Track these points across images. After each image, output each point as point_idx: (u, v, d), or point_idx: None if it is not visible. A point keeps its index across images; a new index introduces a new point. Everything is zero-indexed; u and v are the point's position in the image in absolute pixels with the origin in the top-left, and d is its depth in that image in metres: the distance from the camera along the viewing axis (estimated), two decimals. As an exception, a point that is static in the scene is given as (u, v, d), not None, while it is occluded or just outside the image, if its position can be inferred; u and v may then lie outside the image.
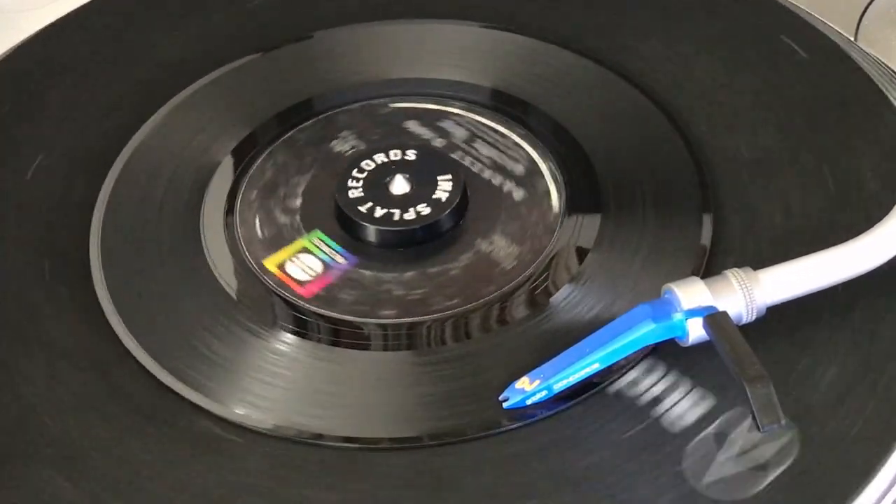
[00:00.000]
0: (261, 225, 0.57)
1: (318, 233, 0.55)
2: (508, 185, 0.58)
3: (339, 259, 0.53)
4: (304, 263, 0.54)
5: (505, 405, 0.48)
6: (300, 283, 0.54)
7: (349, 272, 0.54)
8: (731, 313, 0.48)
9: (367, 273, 0.54)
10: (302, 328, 0.52)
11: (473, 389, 0.50)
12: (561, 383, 0.48)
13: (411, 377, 0.51)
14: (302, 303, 0.53)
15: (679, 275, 0.50)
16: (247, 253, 0.56)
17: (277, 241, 0.56)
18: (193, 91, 0.63)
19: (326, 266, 0.54)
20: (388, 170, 0.57)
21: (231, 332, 0.52)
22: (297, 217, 0.57)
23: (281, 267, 0.54)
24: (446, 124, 0.61)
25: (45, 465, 0.48)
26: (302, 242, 0.55)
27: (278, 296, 0.54)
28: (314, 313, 0.53)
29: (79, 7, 0.69)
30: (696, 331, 0.48)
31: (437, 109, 0.62)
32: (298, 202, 0.58)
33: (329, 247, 0.55)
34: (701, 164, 0.57)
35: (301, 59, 0.65)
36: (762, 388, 0.44)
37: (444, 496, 0.47)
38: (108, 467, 0.48)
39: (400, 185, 0.56)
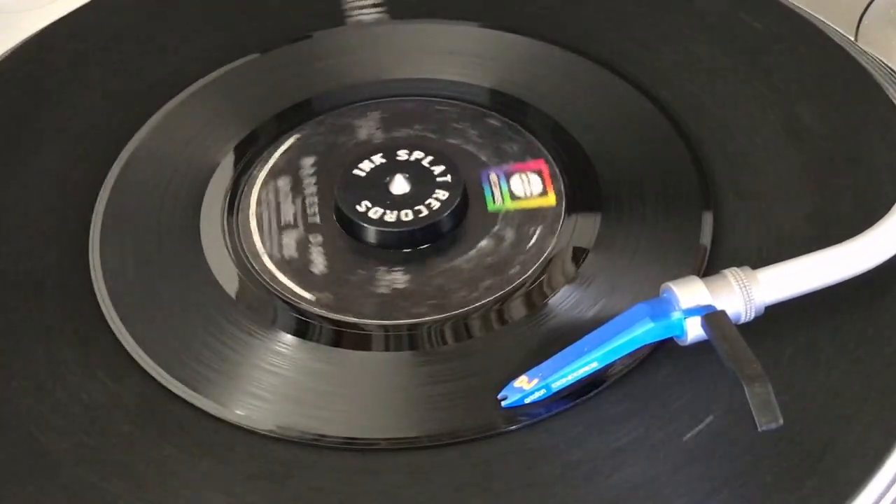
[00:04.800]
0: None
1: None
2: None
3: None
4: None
5: (503, 404, 0.48)
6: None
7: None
8: (730, 312, 0.48)
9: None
10: (302, 329, 0.52)
11: (474, 390, 0.50)
12: (559, 382, 0.48)
13: (412, 378, 0.51)
14: (302, 304, 0.53)
15: (679, 274, 0.50)
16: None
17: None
18: (193, 91, 0.63)
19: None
20: (388, 170, 0.57)
21: (231, 334, 0.52)
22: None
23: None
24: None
25: (42, 469, 0.48)
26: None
27: (278, 297, 0.54)
28: (314, 314, 0.53)
29: (79, 7, 0.69)
30: (694, 330, 0.48)
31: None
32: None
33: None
34: (701, 164, 0.57)
35: (301, 59, 0.65)
36: (760, 388, 0.44)
37: (446, 496, 0.47)
38: (106, 470, 0.48)
39: (400, 186, 0.56)
